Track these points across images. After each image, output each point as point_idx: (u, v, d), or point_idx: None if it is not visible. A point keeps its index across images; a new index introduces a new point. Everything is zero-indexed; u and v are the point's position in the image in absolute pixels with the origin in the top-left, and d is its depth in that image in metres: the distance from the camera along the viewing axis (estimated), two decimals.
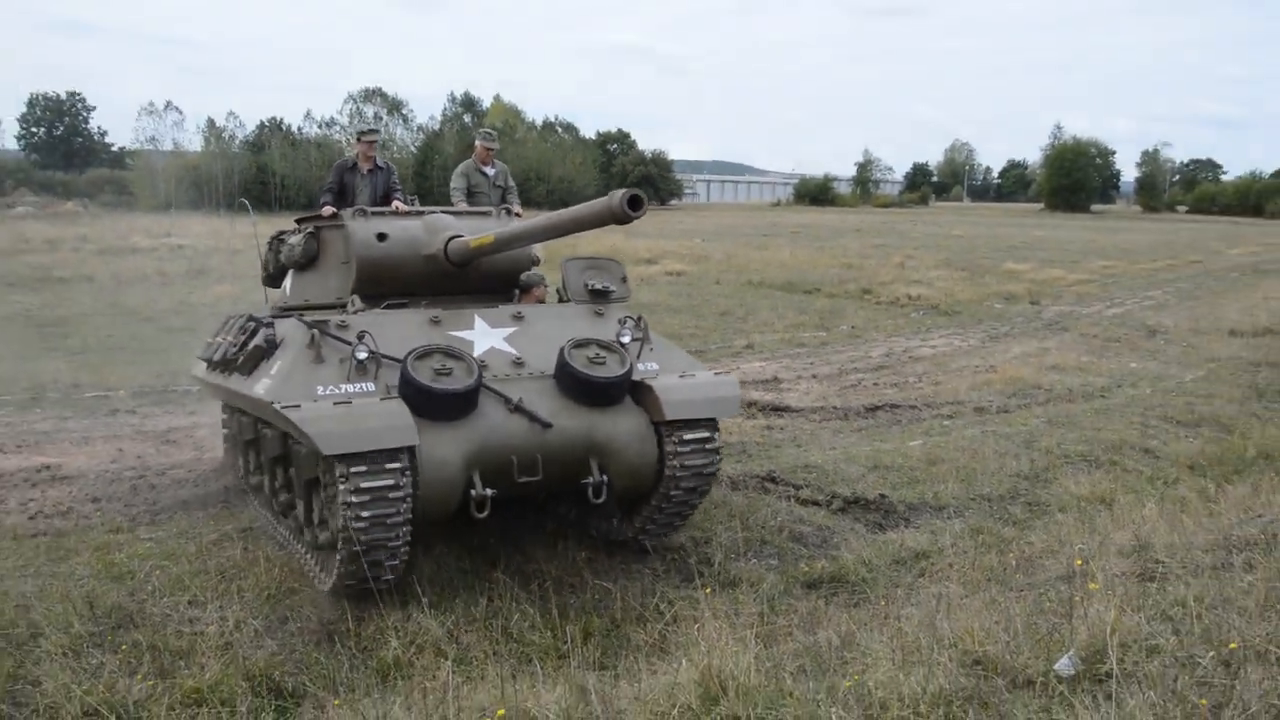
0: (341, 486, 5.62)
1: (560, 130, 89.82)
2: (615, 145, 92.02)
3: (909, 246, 39.45)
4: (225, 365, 7.52)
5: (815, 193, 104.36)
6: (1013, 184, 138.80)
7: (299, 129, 74.51)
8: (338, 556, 5.92)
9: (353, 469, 5.60)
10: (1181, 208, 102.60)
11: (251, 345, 6.88)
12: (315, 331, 6.32)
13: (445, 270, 7.37)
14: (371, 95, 77.96)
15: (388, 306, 7.12)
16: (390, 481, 5.68)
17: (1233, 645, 3.96)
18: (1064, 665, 4.04)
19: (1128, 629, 4.19)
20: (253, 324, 7.36)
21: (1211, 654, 3.95)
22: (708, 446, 6.78)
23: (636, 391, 6.76)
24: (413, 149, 75.58)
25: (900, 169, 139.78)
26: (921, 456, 9.88)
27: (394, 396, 6.01)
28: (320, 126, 75.53)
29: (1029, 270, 30.44)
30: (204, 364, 8.54)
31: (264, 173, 66.89)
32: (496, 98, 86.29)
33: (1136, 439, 10.72)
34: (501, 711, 4.04)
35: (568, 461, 6.45)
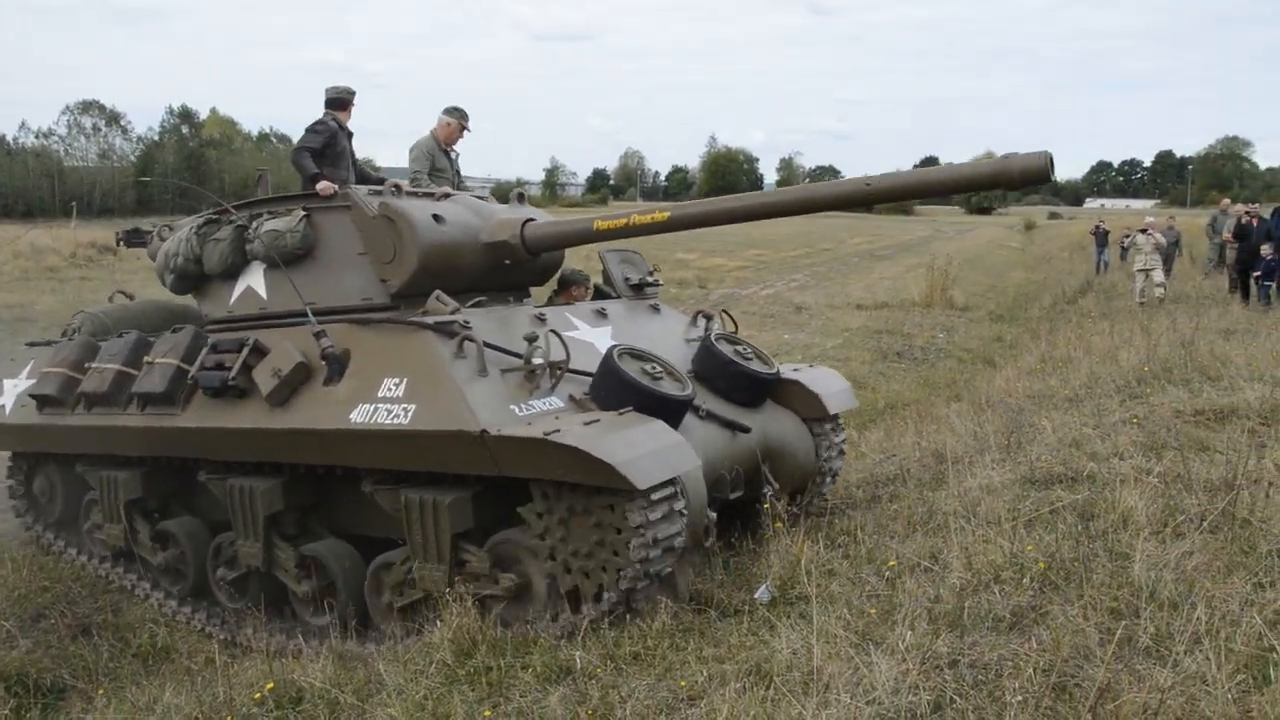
0: (635, 523, 4.06)
1: (275, 140, 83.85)
2: None
3: None
4: (166, 399, 5.43)
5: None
6: (677, 186, 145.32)
7: (15, 139, 67.51)
8: (608, 595, 4.23)
9: (651, 499, 4.11)
10: None
11: (291, 365, 4.92)
12: (468, 338, 4.65)
13: (503, 261, 5.69)
14: (89, 107, 70.52)
15: (473, 304, 5.30)
16: (680, 506, 4.29)
17: (891, 563, 4.34)
18: (762, 594, 4.27)
19: (809, 558, 4.48)
20: (213, 340, 5.40)
21: (876, 572, 4.32)
22: (843, 437, 6.07)
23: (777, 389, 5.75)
24: (132, 159, 69.69)
25: (582, 174, 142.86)
26: None
27: (603, 408, 4.64)
28: (37, 137, 68.69)
29: (696, 259, 31.95)
30: (32, 401, 6.28)
31: None
32: (213, 110, 79.53)
33: None
34: (271, 685, 3.74)
35: (752, 470, 5.29)
